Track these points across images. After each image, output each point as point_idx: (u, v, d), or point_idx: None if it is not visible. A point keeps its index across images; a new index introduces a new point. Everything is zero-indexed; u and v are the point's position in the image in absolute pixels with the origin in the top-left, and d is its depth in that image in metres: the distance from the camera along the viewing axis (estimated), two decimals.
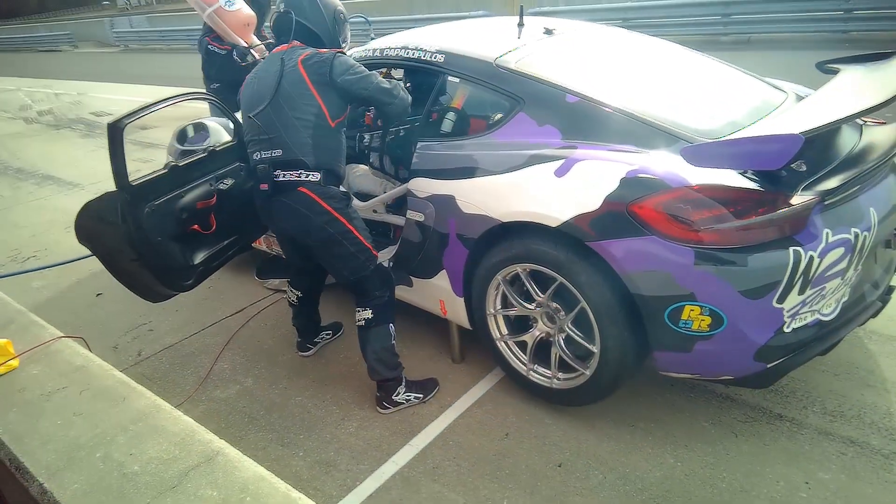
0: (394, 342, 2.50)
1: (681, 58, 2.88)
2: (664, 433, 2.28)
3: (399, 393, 2.53)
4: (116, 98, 11.90)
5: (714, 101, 2.51)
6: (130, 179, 2.31)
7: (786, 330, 1.92)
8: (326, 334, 3.07)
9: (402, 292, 2.83)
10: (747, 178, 1.95)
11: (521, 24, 2.85)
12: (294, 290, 2.86)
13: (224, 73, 4.52)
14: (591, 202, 1.99)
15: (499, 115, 2.46)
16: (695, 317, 1.91)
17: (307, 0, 2.39)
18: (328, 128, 2.32)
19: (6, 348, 1.66)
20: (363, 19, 4.52)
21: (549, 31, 2.82)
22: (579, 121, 2.24)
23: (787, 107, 2.46)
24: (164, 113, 2.47)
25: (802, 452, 2.13)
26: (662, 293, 1.92)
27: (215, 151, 2.75)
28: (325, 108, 2.29)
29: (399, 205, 2.95)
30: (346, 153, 2.51)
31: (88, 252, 2.43)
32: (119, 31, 26.41)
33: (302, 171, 2.30)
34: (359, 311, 2.48)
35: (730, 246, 1.86)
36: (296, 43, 2.38)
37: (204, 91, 2.85)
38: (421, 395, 2.56)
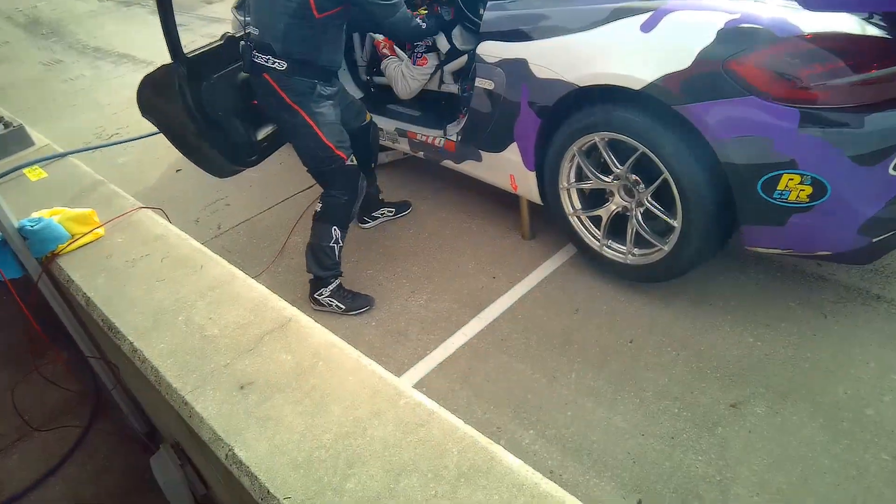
0: (333, 245, 2.42)
1: None
2: (745, 312, 2.17)
3: (322, 294, 2.48)
4: None
5: None
6: (186, 52, 2.26)
7: None
8: (389, 211, 3.04)
9: (470, 167, 2.74)
10: (872, 24, 1.66)
11: None
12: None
13: None
14: (682, 59, 1.77)
15: None
16: (793, 186, 1.73)
17: None
18: (311, 18, 2.13)
19: (91, 217, 1.72)
20: None
21: None
22: None
23: None
24: None
25: None
26: (758, 161, 1.74)
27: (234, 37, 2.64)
28: None
29: (465, 74, 2.77)
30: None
31: None
32: None
33: (270, 56, 2.18)
34: (318, 201, 2.45)
35: (843, 105, 1.62)
36: None
37: None
38: (343, 307, 2.48)
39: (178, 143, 2.51)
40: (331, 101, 2.34)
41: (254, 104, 2.45)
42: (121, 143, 3.62)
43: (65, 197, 2.01)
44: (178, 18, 2.20)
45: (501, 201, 2.88)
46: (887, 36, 1.62)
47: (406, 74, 2.93)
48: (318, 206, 2.43)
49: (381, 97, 3.27)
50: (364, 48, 3.32)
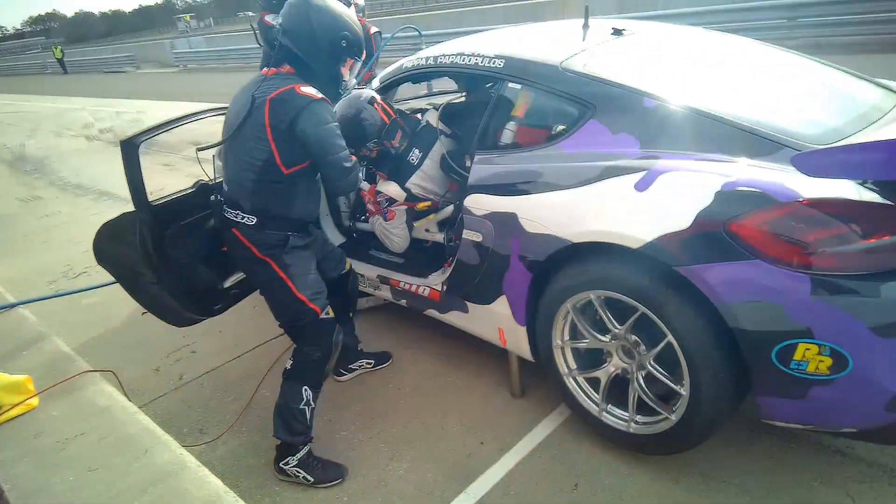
0: (304, 408, 2.17)
1: (768, 56, 2.55)
2: (765, 492, 1.95)
3: (289, 463, 2.20)
4: (173, 115, 12.16)
5: (814, 104, 2.18)
6: (157, 198, 2.19)
7: None
8: (368, 363, 2.84)
9: (455, 318, 2.59)
10: (868, 188, 1.63)
11: (586, 26, 2.59)
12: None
13: None
14: (680, 220, 1.71)
15: (567, 124, 2.20)
16: (811, 357, 1.59)
17: (299, 17, 2.00)
18: (279, 174, 2.03)
19: (25, 385, 1.51)
20: (416, 32, 4.36)
21: (618, 32, 2.55)
22: (660, 127, 1.96)
23: None
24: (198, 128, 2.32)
25: None
26: (770, 328, 1.61)
27: (206, 185, 2.63)
28: (278, 154, 1.99)
29: (450, 224, 2.72)
30: None
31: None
32: (178, 51, 27.41)
33: (238, 211, 2.10)
34: (289, 356, 2.25)
35: (855, 272, 1.54)
36: (284, 69, 2.05)
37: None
38: (311, 479, 2.19)
39: (133, 292, 2.37)
40: (306, 252, 2.21)
41: (223, 251, 2.32)
42: (77, 292, 3.42)
43: (1, 355, 1.79)
44: (165, 159, 2.16)
45: (489, 353, 2.70)
46: (889, 202, 1.58)
47: (386, 233, 2.84)
48: (289, 363, 2.22)
49: (363, 243, 3.19)
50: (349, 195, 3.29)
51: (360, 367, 2.82)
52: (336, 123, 2.05)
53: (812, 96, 2.26)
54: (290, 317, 2.21)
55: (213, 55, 24.39)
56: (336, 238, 3.21)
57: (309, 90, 1.97)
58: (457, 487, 2.12)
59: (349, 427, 2.50)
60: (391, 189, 2.73)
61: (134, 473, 1.26)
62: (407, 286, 2.78)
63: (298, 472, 2.20)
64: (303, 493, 2.18)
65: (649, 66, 2.29)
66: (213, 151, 3.10)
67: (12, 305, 2.14)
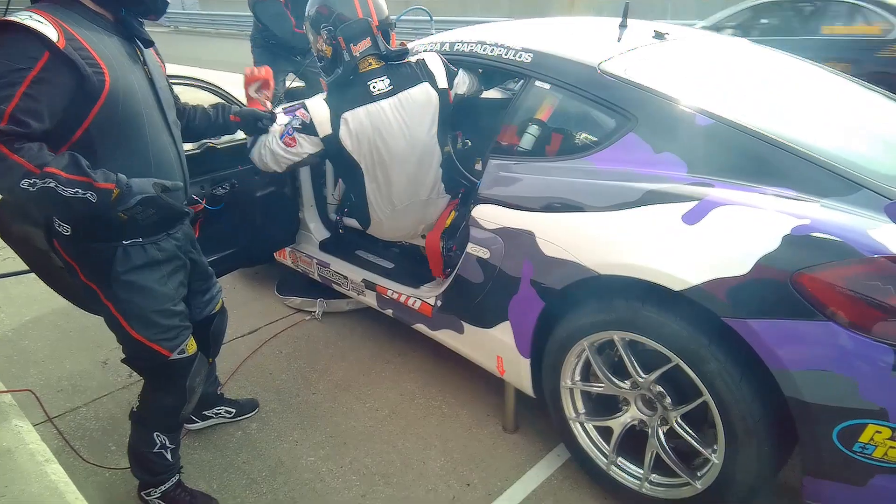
0: (161, 451, 1.83)
1: (842, 87, 2.31)
2: None
3: (151, 493, 1.90)
4: None
5: (887, 138, 1.94)
6: None
7: None
8: (228, 412, 2.33)
9: (447, 338, 2.31)
10: None
11: (623, 26, 2.32)
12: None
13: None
14: (737, 264, 1.44)
15: (600, 135, 1.92)
16: (880, 441, 1.35)
17: None
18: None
19: None
20: (427, 15, 4.06)
21: (660, 35, 2.28)
22: (715, 150, 1.70)
23: None
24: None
25: None
26: (836, 403, 1.36)
27: (215, 149, 2.30)
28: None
29: (451, 233, 2.42)
30: None
31: None
32: (171, 11, 26.41)
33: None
34: (138, 396, 1.85)
35: None
36: None
37: (206, 81, 2.40)
38: None
39: (44, 276, 2.02)
40: (154, 272, 1.62)
41: None
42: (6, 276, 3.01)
43: None
44: None
45: (481, 377, 2.42)
46: None
47: (268, 142, 2.18)
48: (136, 404, 1.83)
49: (350, 241, 2.88)
50: (337, 184, 2.97)
51: (216, 415, 2.31)
52: None
53: (884, 130, 2.02)
54: (131, 357, 1.74)
55: (206, 19, 23.57)
56: (320, 233, 2.90)
57: None
58: None
59: (318, 452, 2.20)
60: (317, 110, 2.15)
61: None
62: (395, 295, 2.49)
63: None
64: None
65: (699, 78, 2.03)
66: None
67: None
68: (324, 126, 2.14)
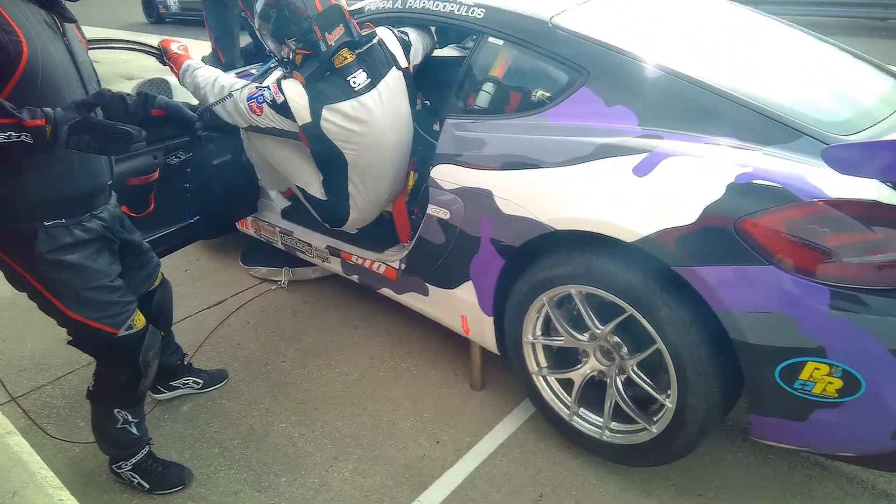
0: (125, 426, 1.82)
1: (781, 33, 2.33)
2: None
3: (122, 466, 1.90)
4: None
5: (831, 89, 1.98)
6: None
7: None
8: (196, 382, 2.32)
9: (413, 300, 2.33)
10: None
11: None
12: None
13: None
14: (685, 213, 1.48)
15: (553, 91, 1.93)
16: (819, 377, 1.41)
17: None
18: None
19: None
20: None
21: None
22: (664, 102, 1.72)
23: None
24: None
25: None
26: (777, 343, 1.42)
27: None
28: None
29: (413, 196, 2.42)
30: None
31: None
32: None
33: None
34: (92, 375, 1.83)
35: (883, 286, 1.35)
36: None
37: (126, 40, 2.33)
38: (147, 486, 1.90)
39: None
40: (79, 252, 1.56)
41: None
42: None
43: None
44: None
45: (447, 337, 2.46)
46: None
47: (235, 94, 2.11)
48: (91, 383, 1.79)
49: None
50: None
51: (184, 385, 2.30)
52: None
53: (828, 80, 2.05)
54: (76, 338, 1.69)
55: None
56: (281, 201, 2.87)
57: None
58: (409, 494, 1.90)
59: (289, 418, 2.22)
60: (295, 97, 2.04)
61: None
62: (360, 261, 2.49)
63: (133, 476, 1.91)
64: (234, 498, 1.91)
65: (653, 31, 2.03)
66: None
67: None
68: (302, 113, 2.04)
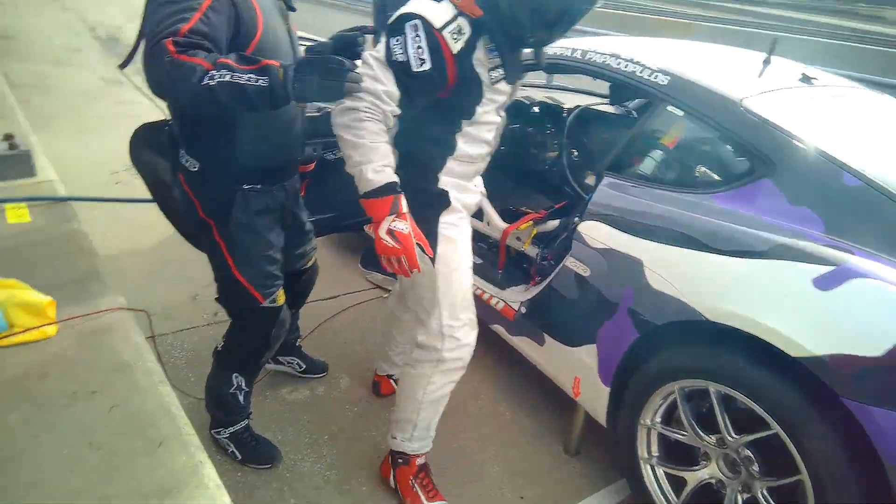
0: (236, 392, 1.92)
1: None
2: None
3: (221, 432, 2.00)
4: None
5: None
6: None
7: None
8: (299, 365, 2.44)
9: (526, 347, 2.28)
10: None
11: (767, 62, 2.17)
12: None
13: None
14: (870, 344, 1.33)
15: (729, 175, 1.82)
16: None
17: None
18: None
19: (46, 310, 1.27)
20: None
21: (807, 79, 2.14)
22: (857, 214, 1.57)
23: None
24: None
25: None
26: None
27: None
28: None
29: (549, 239, 2.38)
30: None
31: None
32: None
33: (182, 150, 1.69)
34: (223, 337, 1.95)
35: None
36: None
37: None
38: (240, 457, 2.00)
39: (164, 208, 2.08)
40: (262, 219, 1.71)
41: None
42: (133, 201, 3.20)
43: (31, 261, 1.55)
44: None
45: (551, 392, 2.37)
46: None
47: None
48: (221, 344, 1.93)
49: None
50: None
51: (288, 363, 2.43)
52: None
53: None
54: (225, 295, 1.84)
55: None
56: None
57: None
58: None
59: (379, 428, 2.22)
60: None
61: (137, 473, 1.00)
62: (479, 291, 2.47)
63: (229, 444, 2.01)
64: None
65: (847, 132, 1.88)
66: None
67: (61, 199, 1.89)
68: None
